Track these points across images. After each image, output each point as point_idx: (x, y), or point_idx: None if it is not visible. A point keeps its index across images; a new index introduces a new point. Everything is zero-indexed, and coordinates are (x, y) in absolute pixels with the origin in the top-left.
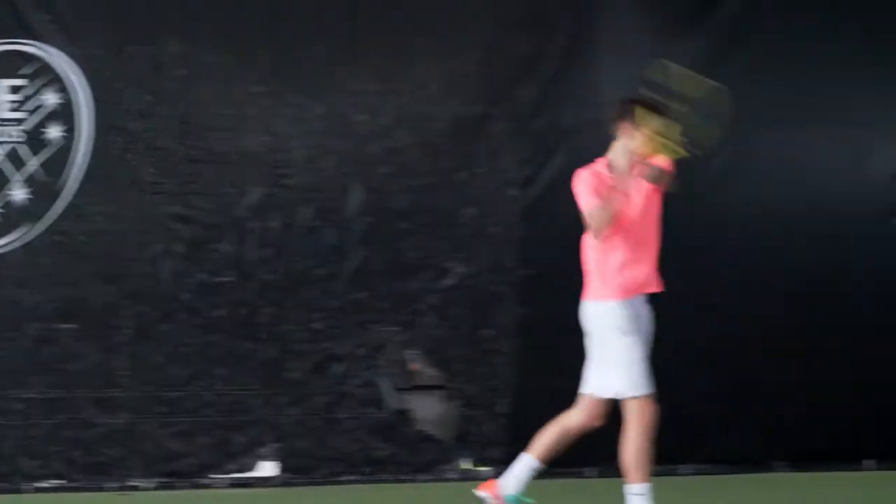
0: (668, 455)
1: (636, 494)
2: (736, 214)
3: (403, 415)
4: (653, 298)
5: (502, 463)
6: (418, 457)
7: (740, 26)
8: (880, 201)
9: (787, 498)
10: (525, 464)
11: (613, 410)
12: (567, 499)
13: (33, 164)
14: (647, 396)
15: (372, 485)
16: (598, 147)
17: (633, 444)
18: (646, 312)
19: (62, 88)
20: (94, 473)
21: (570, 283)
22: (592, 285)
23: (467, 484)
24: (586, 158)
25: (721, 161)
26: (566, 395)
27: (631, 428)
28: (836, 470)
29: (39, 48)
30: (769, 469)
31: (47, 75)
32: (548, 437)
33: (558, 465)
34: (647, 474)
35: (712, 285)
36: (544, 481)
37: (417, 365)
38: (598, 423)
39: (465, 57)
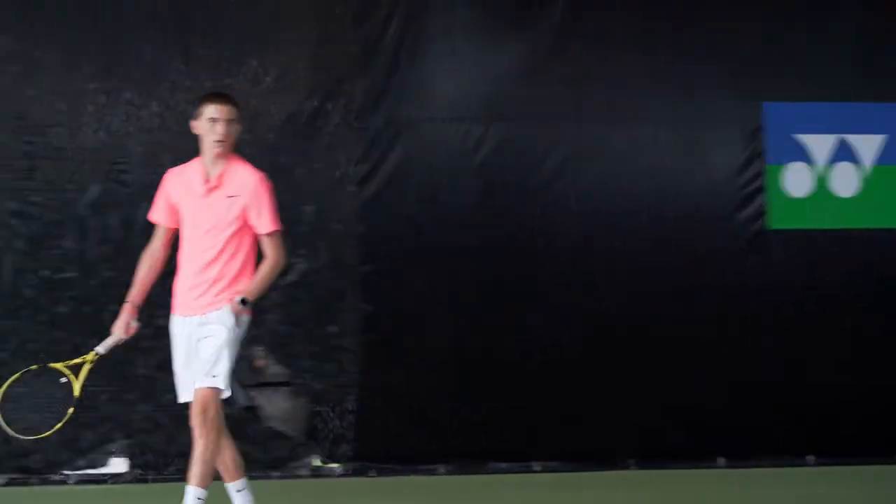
0: None
1: None
2: (572, 212)
3: (252, 412)
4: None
5: (351, 459)
6: (269, 453)
7: (572, 22)
8: (722, 199)
9: None
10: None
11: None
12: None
13: None
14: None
15: (223, 481)
16: (434, 141)
17: None
18: (186, 330)
19: None
20: None
21: (412, 279)
22: None
23: (318, 481)
24: (423, 153)
25: (557, 158)
26: (410, 390)
27: None
28: None
29: None
30: None
31: None
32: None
33: None
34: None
35: (552, 277)
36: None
37: (263, 361)
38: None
39: (297, 52)
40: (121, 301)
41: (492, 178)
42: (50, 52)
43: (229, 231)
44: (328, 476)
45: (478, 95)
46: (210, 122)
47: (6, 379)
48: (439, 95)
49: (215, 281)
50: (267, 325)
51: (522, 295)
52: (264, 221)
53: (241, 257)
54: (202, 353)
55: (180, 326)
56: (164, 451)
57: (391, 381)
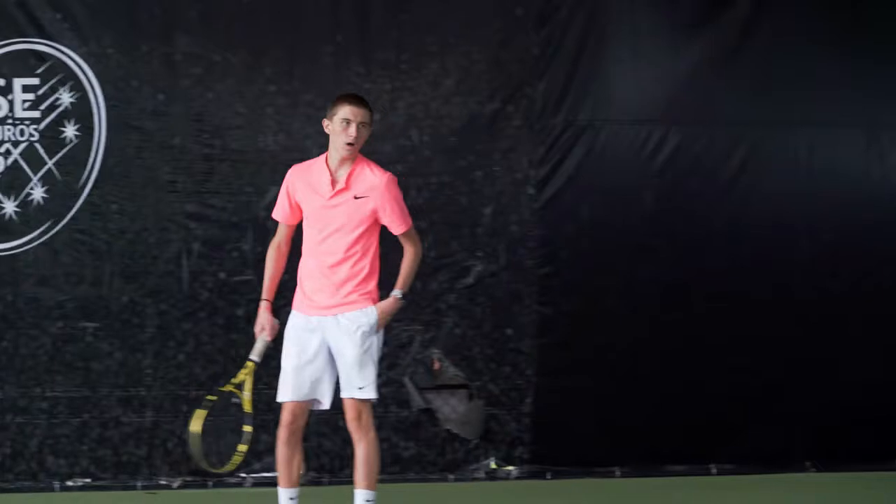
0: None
1: None
2: (753, 215)
3: (428, 414)
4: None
5: (527, 462)
6: (445, 456)
7: (752, 24)
8: None
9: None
10: None
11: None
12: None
13: (50, 163)
14: (285, 403)
15: (399, 484)
16: (614, 144)
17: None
18: (309, 327)
19: (76, 87)
20: (121, 472)
21: (589, 282)
22: None
23: (495, 483)
24: (602, 155)
25: (737, 160)
26: (587, 393)
27: None
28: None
29: (53, 47)
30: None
31: (61, 74)
32: None
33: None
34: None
35: (732, 281)
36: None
37: (441, 364)
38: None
39: (477, 54)
40: None
41: (671, 181)
42: (230, 55)
43: (357, 232)
44: (504, 479)
45: (658, 97)
46: (343, 123)
47: (184, 382)
48: (620, 97)
49: (345, 282)
50: (444, 327)
51: (702, 298)
52: (396, 222)
53: (369, 257)
54: (345, 363)
55: (302, 322)
56: (339, 454)
57: (567, 384)
